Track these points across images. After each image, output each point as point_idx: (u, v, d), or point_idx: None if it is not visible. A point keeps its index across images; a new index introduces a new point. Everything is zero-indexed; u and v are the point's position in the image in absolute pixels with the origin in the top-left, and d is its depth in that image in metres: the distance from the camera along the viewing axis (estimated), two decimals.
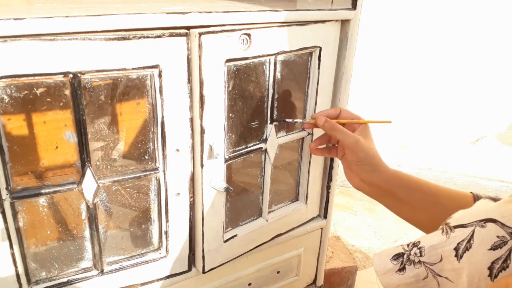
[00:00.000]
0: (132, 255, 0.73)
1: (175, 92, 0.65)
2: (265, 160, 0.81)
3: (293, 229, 0.92)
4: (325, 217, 0.96)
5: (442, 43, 2.42)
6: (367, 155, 0.70)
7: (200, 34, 0.62)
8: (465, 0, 2.38)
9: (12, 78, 0.53)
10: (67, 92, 0.58)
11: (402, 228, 1.67)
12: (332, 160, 0.90)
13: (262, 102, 0.77)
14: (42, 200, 0.63)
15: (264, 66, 0.74)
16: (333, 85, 0.85)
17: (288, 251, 0.95)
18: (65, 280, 0.67)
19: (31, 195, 0.60)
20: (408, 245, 0.51)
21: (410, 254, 0.50)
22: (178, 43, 0.62)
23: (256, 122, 0.78)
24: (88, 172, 0.62)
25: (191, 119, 0.68)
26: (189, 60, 0.64)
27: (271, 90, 0.76)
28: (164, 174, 0.68)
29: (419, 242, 0.50)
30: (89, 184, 0.63)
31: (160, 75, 0.62)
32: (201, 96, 0.65)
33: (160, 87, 0.63)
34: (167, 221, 0.72)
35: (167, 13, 0.60)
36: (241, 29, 0.66)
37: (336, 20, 0.78)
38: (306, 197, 0.91)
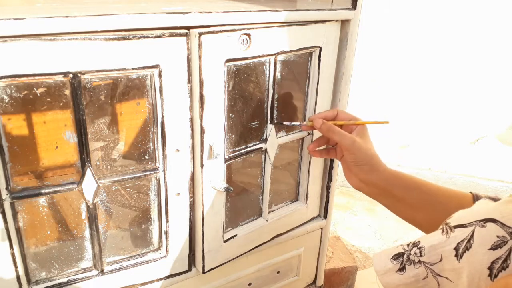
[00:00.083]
0: (132, 255, 0.73)
1: (175, 92, 0.65)
2: (265, 160, 0.81)
3: (293, 229, 0.92)
4: (325, 217, 0.96)
5: (442, 43, 2.42)
6: (365, 155, 0.71)
7: (200, 34, 0.62)
8: (465, 0, 2.38)
9: (12, 78, 0.53)
10: (67, 92, 0.58)
11: (402, 228, 1.67)
12: (332, 160, 0.90)
13: (262, 102, 0.77)
14: (42, 200, 0.63)
15: (264, 66, 0.74)
16: (333, 85, 0.85)
17: (288, 251, 0.95)
18: (65, 280, 0.67)
19: (31, 195, 0.60)
20: (408, 245, 0.51)
21: (410, 254, 0.50)
22: (178, 43, 0.62)
23: (256, 122, 0.78)
24: (88, 172, 0.62)
25: (191, 119, 0.68)
26: (189, 60, 0.64)
27: (271, 90, 0.76)
28: (164, 174, 0.68)
29: (419, 242, 0.50)
30: (89, 184, 0.63)
31: (160, 75, 0.62)
32: (201, 96, 0.65)
33: (160, 87, 0.63)
34: (167, 221, 0.72)
35: (167, 13, 0.60)
36: (241, 29, 0.66)
37: (336, 20, 0.78)
38: (306, 197, 0.91)
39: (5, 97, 0.55)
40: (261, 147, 0.79)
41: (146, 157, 0.68)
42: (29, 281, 0.65)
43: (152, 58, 0.61)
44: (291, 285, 1.01)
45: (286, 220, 0.90)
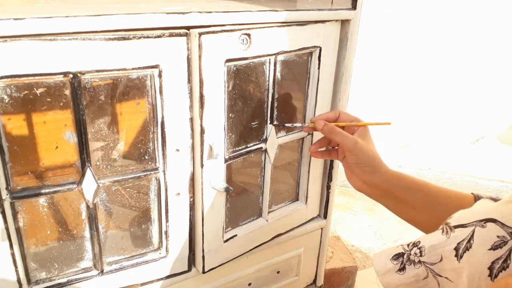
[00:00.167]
0: (132, 255, 0.73)
1: (175, 92, 0.65)
2: (265, 160, 0.81)
3: (293, 229, 0.92)
4: (325, 217, 0.96)
5: (442, 43, 2.42)
6: (367, 156, 0.71)
7: (200, 34, 0.62)
8: (465, 0, 2.38)
9: (12, 78, 0.53)
10: (67, 92, 0.58)
11: (402, 228, 1.67)
12: (332, 160, 0.90)
13: (262, 102, 0.77)
14: (42, 200, 0.63)
15: (264, 66, 0.74)
16: (333, 85, 0.85)
17: (288, 251, 0.95)
18: (65, 280, 0.67)
19: (31, 195, 0.60)
20: (408, 245, 0.51)
21: (410, 254, 0.50)
22: (178, 43, 0.62)
23: (256, 122, 0.78)
24: (88, 172, 0.62)
25: (191, 119, 0.68)
26: (189, 60, 0.64)
27: (271, 90, 0.76)
28: (164, 174, 0.68)
29: (419, 242, 0.50)
30: (89, 184, 0.63)
31: (160, 75, 0.62)
32: (201, 96, 0.65)
33: (160, 87, 0.63)
34: (167, 221, 0.72)
35: (167, 13, 0.60)
36: (241, 29, 0.66)
37: (336, 20, 0.78)
38: (306, 197, 0.91)
39: (5, 97, 0.55)
40: (261, 147, 0.79)
41: (146, 157, 0.68)
42: (29, 281, 0.65)
43: (152, 58, 0.61)
44: (291, 285, 1.01)
45: (286, 220, 0.90)
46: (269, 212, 0.87)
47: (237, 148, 0.76)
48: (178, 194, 0.71)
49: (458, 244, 0.46)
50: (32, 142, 0.60)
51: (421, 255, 0.49)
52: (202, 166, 0.70)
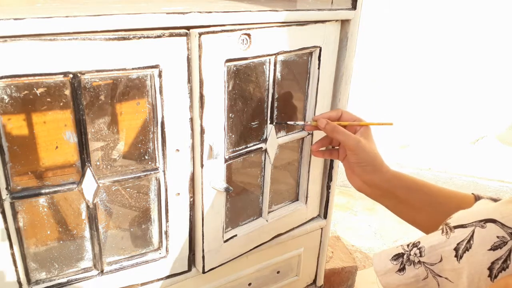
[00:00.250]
0: (132, 255, 0.73)
1: (175, 92, 0.65)
2: (265, 160, 0.81)
3: (293, 229, 0.92)
4: (325, 217, 0.96)
5: (442, 43, 2.42)
6: (368, 156, 0.71)
7: (200, 34, 0.62)
8: (465, 0, 2.38)
9: (12, 78, 0.53)
10: (67, 92, 0.58)
11: (402, 228, 1.67)
12: (332, 160, 0.90)
13: (262, 102, 0.77)
14: (42, 200, 0.63)
15: (264, 66, 0.74)
16: (333, 85, 0.85)
17: (288, 251, 0.95)
18: (65, 280, 0.67)
19: (31, 195, 0.60)
20: (408, 245, 0.51)
21: (410, 255, 0.50)
22: (178, 43, 0.62)
23: (256, 122, 0.78)
24: (88, 172, 0.62)
25: (191, 119, 0.68)
26: (189, 60, 0.64)
27: (271, 90, 0.76)
28: (164, 174, 0.68)
29: (419, 242, 0.50)
30: (89, 184, 0.63)
31: (160, 75, 0.62)
32: (201, 96, 0.65)
33: (160, 87, 0.63)
34: (167, 221, 0.72)
35: (167, 13, 0.60)
36: (241, 29, 0.66)
37: (336, 20, 0.78)
38: (306, 197, 0.91)
39: (5, 97, 0.55)
40: (261, 147, 0.79)
41: (146, 157, 0.68)
42: (29, 281, 0.65)
43: (152, 58, 0.61)
44: (291, 285, 1.01)
45: (286, 220, 0.90)
46: (269, 212, 0.87)
47: (237, 148, 0.76)
48: (178, 194, 0.71)
49: (458, 244, 0.46)
50: (32, 142, 0.60)
51: (421, 256, 0.49)
52: (202, 166, 0.70)
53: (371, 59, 2.37)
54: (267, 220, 0.86)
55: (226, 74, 0.68)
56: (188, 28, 0.62)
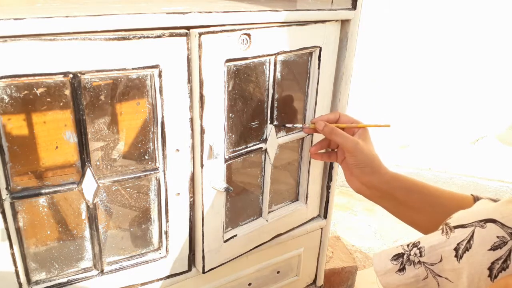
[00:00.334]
0: (132, 255, 0.73)
1: (175, 92, 0.65)
2: (265, 160, 0.81)
3: (293, 229, 0.92)
4: (325, 217, 0.96)
5: (442, 43, 2.42)
6: (366, 157, 0.71)
7: (200, 34, 0.62)
8: (465, 0, 2.38)
9: (12, 78, 0.53)
10: (67, 92, 0.58)
11: (402, 228, 1.67)
12: None
13: (262, 102, 0.77)
14: (42, 200, 0.63)
15: (264, 66, 0.74)
16: (333, 85, 0.85)
17: (288, 251, 0.95)
18: (65, 280, 0.67)
19: (31, 195, 0.60)
20: (408, 245, 0.51)
21: (410, 255, 0.50)
22: (178, 43, 0.62)
23: (256, 122, 0.78)
24: (88, 172, 0.62)
25: (191, 119, 0.68)
26: (189, 60, 0.64)
27: (271, 90, 0.76)
28: (164, 174, 0.68)
29: (419, 242, 0.50)
30: (89, 184, 0.63)
31: (160, 75, 0.62)
32: (201, 96, 0.65)
33: (160, 87, 0.63)
34: (167, 221, 0.72)
35: (167, 13, 0.60)
36: (241, 29, 0.66)
37: (336, 20, 0.78)
38: (306, 197, 0.91)
39: (5, 97, 0.55)
40: (261, 147, 0.79)
41: (146, 157, 0.68)
42: (29, 281, 0.65)
43: (152, 58, 0.61)
44: (291, 285, 1.01)
45: (286, 220, 0.90)
46: (269, 212, 0.87)
47: (237, 148, 0.76)
48: (178, 194, 0.71)
49: (458, 244, 0.46)
50: (32, 142, 0.60)
51: (421, 256, 0.49)
52: (202, 166, 0.70)
53: (371, 59, 2.37)
54: (267, 220, 0.86)
55: (226, 74, 0.68)
56: (188, 28, 0.62)
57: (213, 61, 0.65)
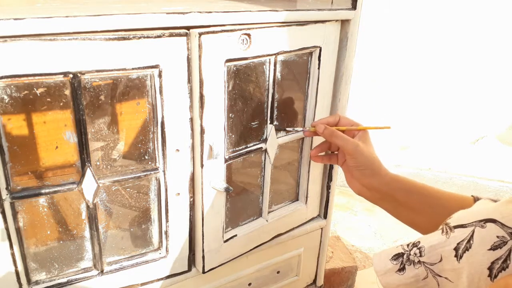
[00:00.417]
0: (132, 255, 0.73)
1: (175, 92, 0.65)
2: (265, 160, 0.81)
3: (293, 229, 0.92)
4: (325, 217, 0.96)
5: (442, 43, 2.42)
6: (367, 159, 0.71)
7: (200, 34, 0.62)
8: (465, 0, 2.38)
9: (12, 78, 0.53)
10: (67, 92, 0.58)
11: (402, 228, 1.67)
12: None
13: (262, 102, 0.77)
14: (42, 200, 0.63)
15: (264, 66, 0.74)
16: (333, 85, 0.85)
17: (288, 251, 0.95)
18: (65, 280, 0.67)
19: (31, 195, 0.60)
20: (408, 245, 0.51)
21: (410, 254, 0.50)
22: (178, 43, 0.62)
23: (256, 122, 0.78)
24: (88, 172, 0.62)
25: (191, 119, 0.68)
26: (189, 60, 0.64)
27: (271, 90, 0.76)
28: (164, 174, 0.68)
29: (419, 242, 0.50)
30: (89, 184, 0.63)
31: (160, 75, 0.62)
32: (201, 96, 0.65)
33: (160, 87, 0.63)
34: (167, 221, 0.72)
35: (167, 13, 0.60)
36: (241, 29, 0.66)
37: (336, 20, 0.78)
38: (306, 197, 0.91)
39: (5, 97, 0.55)
40: (261, 147, 0.79)
41: (146, 157, 0.68)
42: (29, 281, 0.65)
43: (152, 58, 0.61)
44: (291, 285, 1.01)
45: (286, 220, 0.90)
46: (269, 212, 0.87)
47: (237, 148, 0.76)
48: (178, 194, 0.71)
49: (457, 244, 0.46)
50: (32, 142, 0.60)
51: (420, 255, 0.49)
52: (202, 166, 0.70)
53: (371, 59, 2.37)
54: (267, 220, 0.86)
55: (226, 74, 0.68)
56: (188, 28, 0.62)
57: (213, 61, 0.65)
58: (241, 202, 0.84)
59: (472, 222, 0.46)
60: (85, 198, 0.64)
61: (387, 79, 2.46)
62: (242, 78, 0.73)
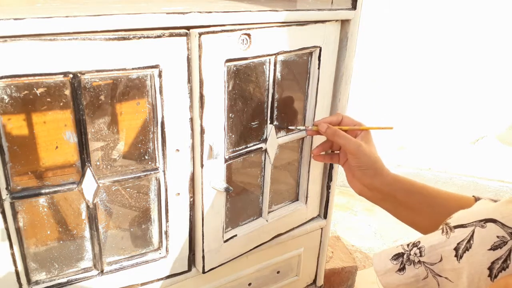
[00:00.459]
0: (132, 255, 0.73)
1: (175, 92, 0.65)
2: (265, 160, 0.81)
3: (293, 229, 0.92)
4: (325, 217, 0.96)
5: (442, 43, 2.42)
6: (369, 160, 0.71)
7: (200, 34, 0.62)
8: (465, 0, 2.38)
9: (12, 78, 0.53)
10: (67, 92, 0.58)
11: (402, 228, 1.67)
12: None
13: (262, 102, 0.77)
14: (42, 200, 0.63)
15: (264, 66, 0.74)
16: (333, 85, 0.85)
17: (288, 251, 0.95)
18: (65, 280, 0.67)
19: (31, 195, 0.60)
20: (408, 245, 0.51)
21: (410, 254, 0.50)
22: (178, 43, 0.62)
23: (256, 122, 0.78)
24: (88, 172, 0.62)
25: (191, 119, 0.68)
26: (189, 60, 0.64)
27: (271, 90, 0.76)
28: (164, 174, 0.68)
29: (419, 242, 0.50)
30: (89, 184, 0.63)
31: (160, 75, 0.62)
32: (201, 96, 0.65)
33: (160, 87, 0.63)
34: (167, 221, 0.72)
35: (167, 13, 0.60)
36: (241, 29, 0.66)
37: (336, 20, 0.78)
38: (306, 197, 0.91)
39: (5, 97, 0.55)
40: (261, 147, 0.79)
41: (146, 157, 0.68)
42: (29, 281, 0.65)
43: (152, 58, 0.61)
44: (291, 285, 1.01)
45: (286, 220, 0.90)
46: (269, 212, 0.87)
47: (237, 148, 0.76)
48: (178, 194, 0.71)
49: (458, 244, 0.46)
50: (32, 142, 0.60)
51: (421, 255, 0.49)
52: (202, 166, 0.70)
53: (371, 59, 2.37)
54: (267, 220, 0.86)
55: (226, 74, 0.68)
56: (188, 28, 0.62)
57: (213, 61, 0.65)
58: (241, 202, 0.84)
59: (472, 222, 0.46)
60: (85, 198, 0.64)
61: (387, 79, 2.46)
62: (242, 78, 0.73)
